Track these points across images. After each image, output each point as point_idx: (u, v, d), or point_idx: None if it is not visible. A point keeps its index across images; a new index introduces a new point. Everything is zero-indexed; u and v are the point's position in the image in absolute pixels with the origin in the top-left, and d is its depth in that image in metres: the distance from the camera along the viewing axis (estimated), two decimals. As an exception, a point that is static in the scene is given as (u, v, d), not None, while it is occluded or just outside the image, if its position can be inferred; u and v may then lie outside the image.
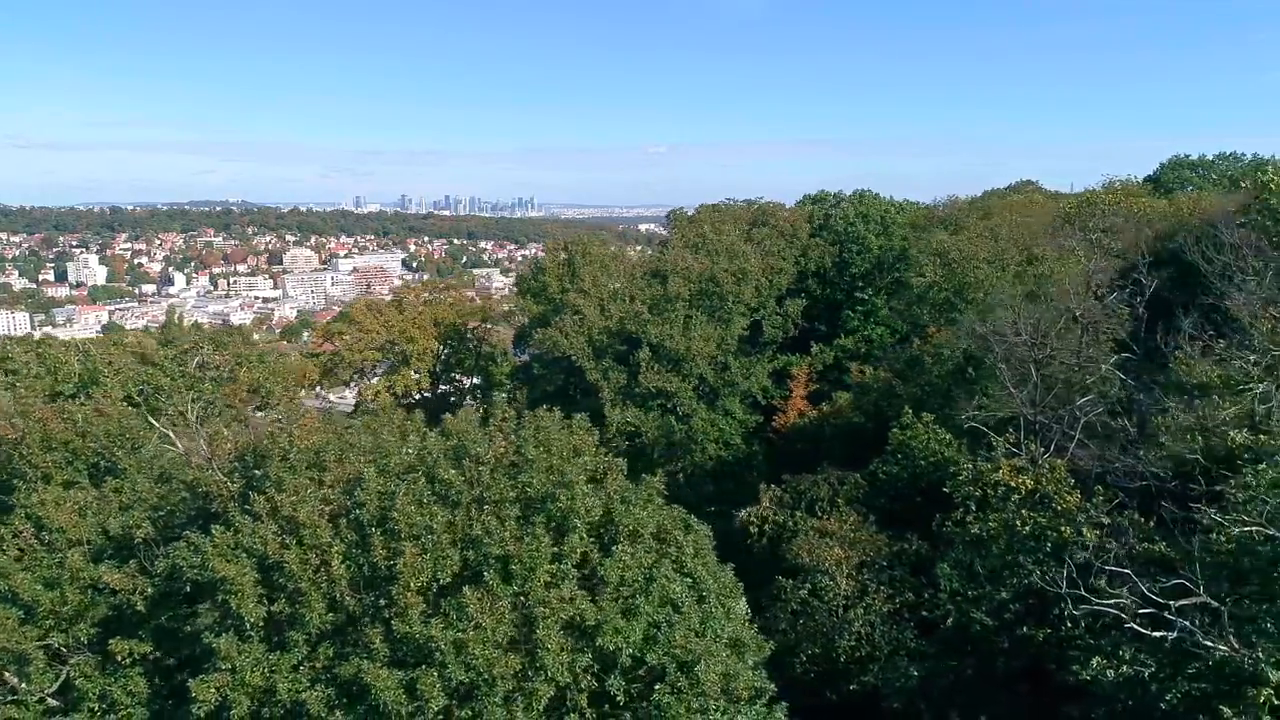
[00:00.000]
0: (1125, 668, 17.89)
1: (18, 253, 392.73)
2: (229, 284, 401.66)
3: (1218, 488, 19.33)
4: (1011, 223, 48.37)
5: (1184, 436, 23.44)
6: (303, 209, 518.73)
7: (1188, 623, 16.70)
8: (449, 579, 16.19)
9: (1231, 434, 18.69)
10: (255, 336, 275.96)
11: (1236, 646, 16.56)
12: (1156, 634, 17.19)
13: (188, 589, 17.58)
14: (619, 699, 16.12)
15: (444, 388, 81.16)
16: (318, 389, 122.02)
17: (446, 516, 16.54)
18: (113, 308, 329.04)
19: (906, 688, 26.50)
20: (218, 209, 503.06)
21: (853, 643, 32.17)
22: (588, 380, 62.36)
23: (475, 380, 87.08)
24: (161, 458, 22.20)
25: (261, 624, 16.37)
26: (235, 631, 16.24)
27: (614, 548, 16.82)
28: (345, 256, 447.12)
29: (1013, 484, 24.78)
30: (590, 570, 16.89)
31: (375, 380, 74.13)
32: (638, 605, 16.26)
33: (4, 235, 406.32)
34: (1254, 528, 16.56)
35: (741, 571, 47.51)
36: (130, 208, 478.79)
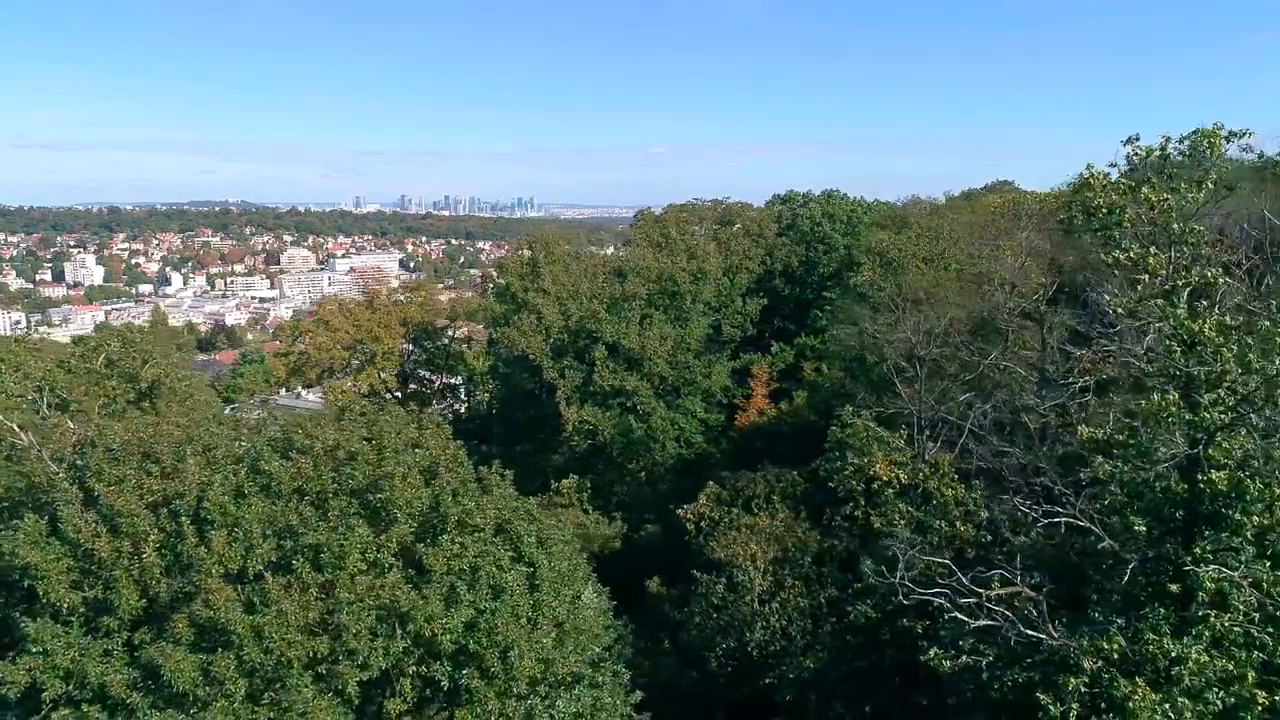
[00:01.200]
0: (965, 657, 18.25)
1: (15, 253, 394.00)
2: (226, 284, 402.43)
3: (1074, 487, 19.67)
4: (954, 222, 48.71)
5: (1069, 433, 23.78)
6: (301, 209, 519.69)
7: (1007, 612, 17.07)
8: (261, 567, 16.63)
9: (1080, 428, 19.02)
10: (249, 336, 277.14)
11: (1055, 635, 16.92)
12: (980, 623, 17.55)
13: (16, 576, 17.96)
14: (443, 684, 16.53)
15: (414, 387, 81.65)
16: (299, 389, 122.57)
17: (265, 506, 16.98)
18: (109, 308, 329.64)
19: (799, 680, 26.83)
20: (216, 209, 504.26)
21: (767, 637, 32.51)
22: (545, 379, 62.92)
23: (456, 380, 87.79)
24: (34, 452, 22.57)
25: (81, 609, 16.84)
26: (53, 616, 16.69)
27: (440, 538, 17.25)
28: (343, 257, 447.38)
29: (887, 478, 25.15)
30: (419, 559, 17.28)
31: (342, 379, 74.49)
32: (459, 593, 16.67)
33: (2, 235, 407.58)
34: (1064, 520, 16.93)
35: (679, 566, 48.00)
36: (129, 208, 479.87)
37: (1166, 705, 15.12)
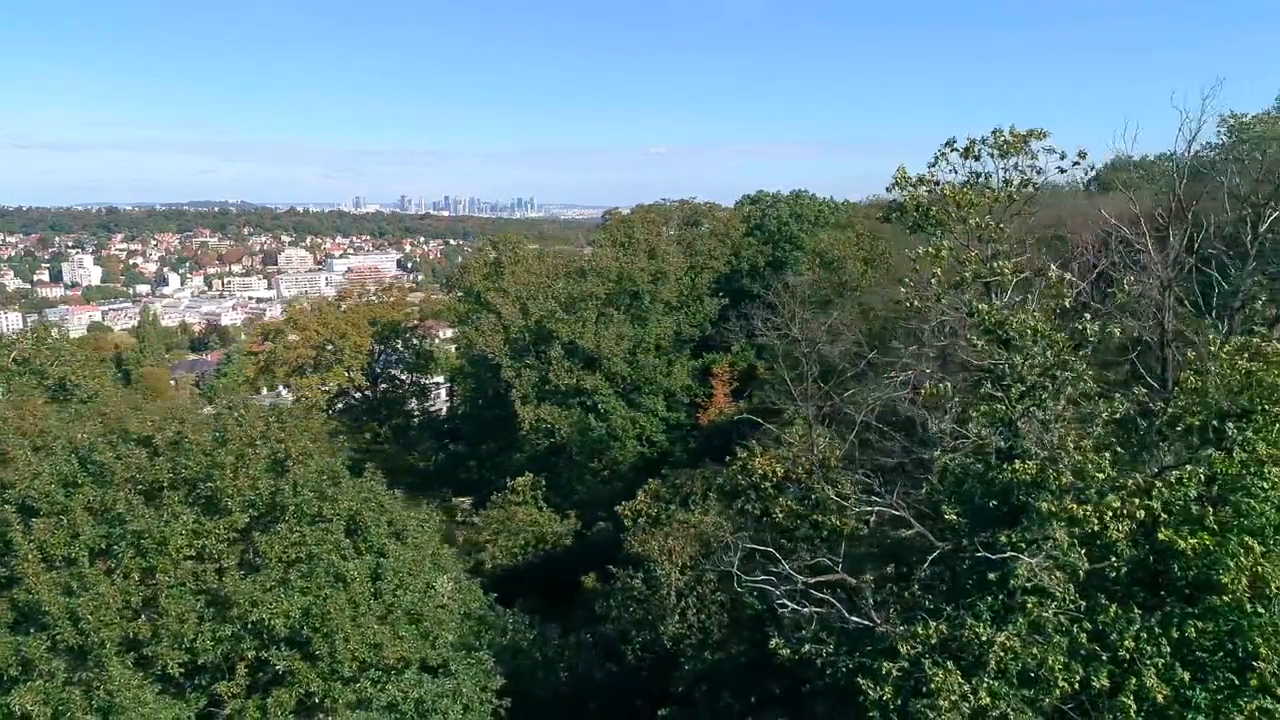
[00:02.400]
0: (807, 646, 18.85)
1: (13, 253, 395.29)
2: (223, 284, 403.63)
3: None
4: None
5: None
6: (300, 209, 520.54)
7: (829, 598, 17.71)
8: (84, 553, 17.30)
9: (930, 422, 19.62)
10: (243, 336, 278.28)
11: (877, 621, 17.52)
12: (806, 610, 18.16)
13: None
14: (277, 668, 17.17)
15: (385, 386, 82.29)
16: (280, 388, 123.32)
17: (96, 494, 17.66)
18: (106, 308, 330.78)
19: (695, 671, 27.44)
20: (215, 209, 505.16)
21: (682, 630, 33.07)
22: (502, 378, 63.67)
23: (433, 379, 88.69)
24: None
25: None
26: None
27: (278, 526, 17.91)
28: (340, 257, 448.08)
29: (764, 473, 25.75)
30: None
31: (310, 378, 75.16)
32: (291, 579, 17.32)
33: (0, 235, 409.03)
34: (871, 507, 17.55)
35: (621, 563, 48.86)
36: (128, 208, 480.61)
37: (967, 688, 15.73)
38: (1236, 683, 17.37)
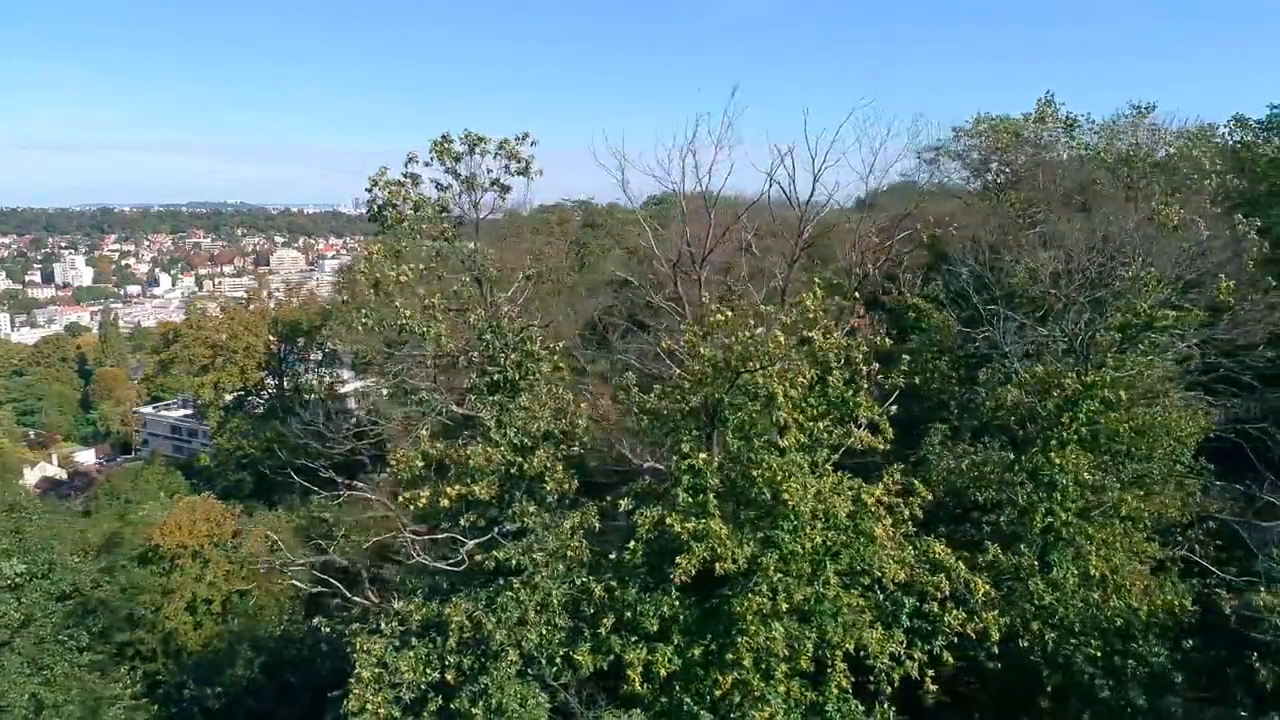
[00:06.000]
0: (355, 624, 20.07)
1: (6, 254, 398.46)
2: (214, 285, 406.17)
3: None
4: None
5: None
6: (294, 210, 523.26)
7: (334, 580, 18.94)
8: None
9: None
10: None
11: (373, 600, 18.60)
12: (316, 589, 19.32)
13: None
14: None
15: (290, 385, 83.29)
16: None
17: None
18: (95, 308, 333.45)
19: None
20: (210, 210, 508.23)
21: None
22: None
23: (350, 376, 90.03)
24: None
25: None
26: None
27: None
28: (333, 257, 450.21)
29: (406, 464, 27.01)
30: None
31: (206, 376, 76.37)
32: None
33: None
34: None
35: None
36: (124, 208, 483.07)
37: (390, 657, 17.00)
38: (730, 657, 18.39)
